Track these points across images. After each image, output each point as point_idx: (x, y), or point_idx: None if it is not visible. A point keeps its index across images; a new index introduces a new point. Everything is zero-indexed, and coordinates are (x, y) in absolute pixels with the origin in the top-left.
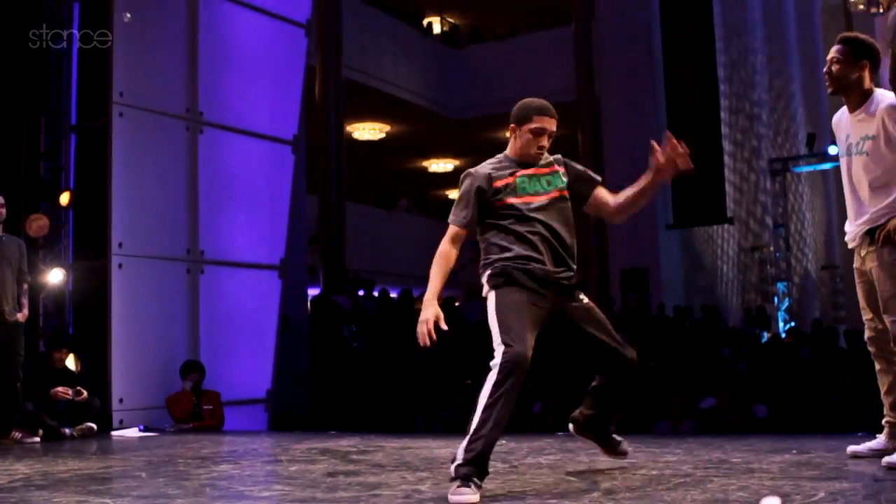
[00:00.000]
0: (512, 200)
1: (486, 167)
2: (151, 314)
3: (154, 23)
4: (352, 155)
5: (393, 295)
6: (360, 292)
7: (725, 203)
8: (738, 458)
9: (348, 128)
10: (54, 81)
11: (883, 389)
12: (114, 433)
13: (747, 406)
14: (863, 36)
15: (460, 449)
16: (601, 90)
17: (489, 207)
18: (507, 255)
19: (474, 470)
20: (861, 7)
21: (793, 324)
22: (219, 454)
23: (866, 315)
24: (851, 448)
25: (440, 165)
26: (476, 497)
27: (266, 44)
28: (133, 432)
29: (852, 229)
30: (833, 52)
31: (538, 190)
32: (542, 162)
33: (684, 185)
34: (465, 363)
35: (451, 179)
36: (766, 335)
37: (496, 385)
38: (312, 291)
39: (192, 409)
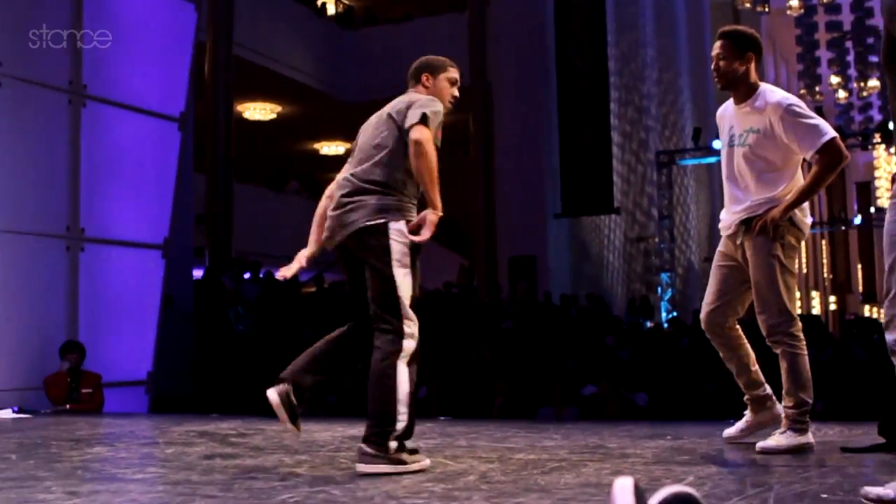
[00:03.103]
0: None
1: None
2: (28, 292)
3: None
4: (241, 135)
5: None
6: (247, 275)
7: (613, 193)
8: (614, 443)
9: (238, 107)
10: None
11: (734, 373)
12: None
13: (629, 394)
14: (743, 28)
15: None
16: (494, 77)
17: None
18: None
19: None
20: (748, 4)
21: (675, 314)
22: (94, 436)
23: (710, 300)
24: (726, 432)
25: (331, 148)
26: None
27: (154, 18)
28: (6, 414)
29: (728, 217)
30: (717, 47)
31: None
32: None
33: (573, 174)
34: (351, 347)
35: (343, 162)
36: (648, 324)
37: None
38: (198, 272)
39: (68, 390)
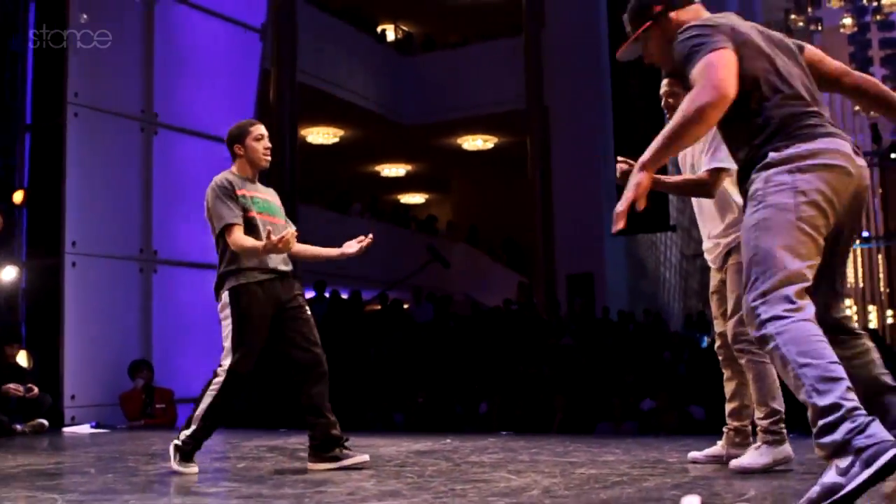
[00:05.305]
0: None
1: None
2: (104, 312)
3: (110, 24)
4: (306, 158)
5: (344, 296)
6: (311, 293)
7: (669, 211)
8: (674, 457)
9: (302, 132)
10: (9, 80)
11: (728, 396)
12: (65, 430)
13: (686, 407)
14: None
15: None
16: (550, 99)
17: None
18: None
19: None
20: (801, 24)
21: None
22: (169, 450)
23: (718, 324)
24: (692, 454)
25: (391, 170)
26: None
27: (221, 47)
28: (85, 429)
29: (711, 248)
30: (664, 86)
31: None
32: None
33: None
34: (414, 364)
35: (403, 184)
36: (705, 340)
37: None
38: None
39: (142, 406)
